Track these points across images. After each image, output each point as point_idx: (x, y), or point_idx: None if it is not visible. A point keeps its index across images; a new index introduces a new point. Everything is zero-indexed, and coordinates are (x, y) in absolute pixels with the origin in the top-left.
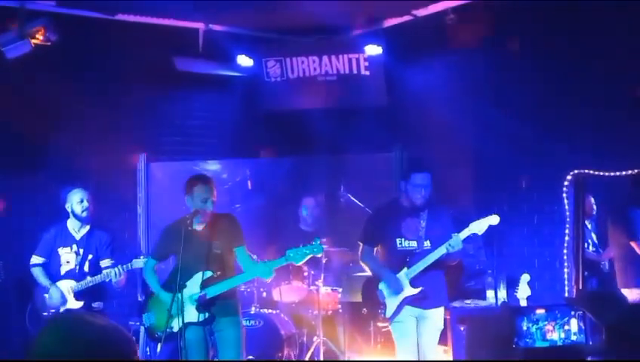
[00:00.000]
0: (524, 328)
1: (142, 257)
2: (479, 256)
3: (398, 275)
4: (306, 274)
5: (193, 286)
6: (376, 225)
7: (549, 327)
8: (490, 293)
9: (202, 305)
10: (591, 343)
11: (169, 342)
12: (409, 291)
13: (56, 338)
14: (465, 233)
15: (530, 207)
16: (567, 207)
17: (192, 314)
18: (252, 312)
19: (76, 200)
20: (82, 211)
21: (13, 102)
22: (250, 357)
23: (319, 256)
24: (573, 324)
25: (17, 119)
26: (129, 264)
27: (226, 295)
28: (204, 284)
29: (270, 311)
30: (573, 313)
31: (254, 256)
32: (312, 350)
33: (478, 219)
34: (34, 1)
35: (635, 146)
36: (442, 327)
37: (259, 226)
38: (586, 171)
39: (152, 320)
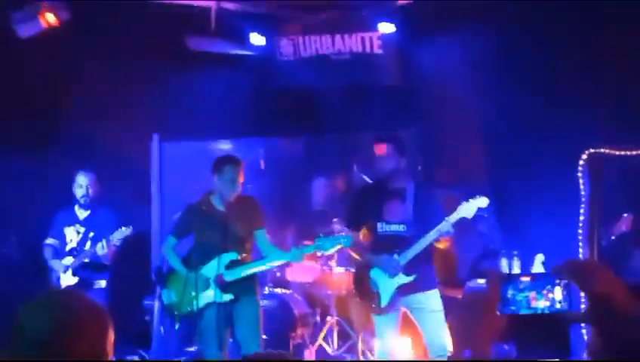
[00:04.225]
0: (509, 296)
1: (123, 228)
2: (493, 235)
3: None
4: (319, 254)
5: (214, 267)
6: (357, 207)
7: (534, 295)
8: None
9: (222, 285)
10: (574, 311)
11: (187, 320)
12: (402, 279)
13: (30, 313)
14: (454, 217)
15: (545, 185)
16: (582, 186)
17: (212, 294)
18: (265, 292)
19: (77, 185)
20: (81, 197)
21: (25, 81)
22: (264, 336)
23: (347, 248)
24: (558, 292)
25: (29, 99)
26: (111, 236)
27: (247, 278)
28: (229, 266)
29: (284, 290)
30: (557, 281)
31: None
32: (325, 330)
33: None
34: None
35: None
36: (441, 309)
37: (272, 206)
38: (602, 150)
39: (171, 298)
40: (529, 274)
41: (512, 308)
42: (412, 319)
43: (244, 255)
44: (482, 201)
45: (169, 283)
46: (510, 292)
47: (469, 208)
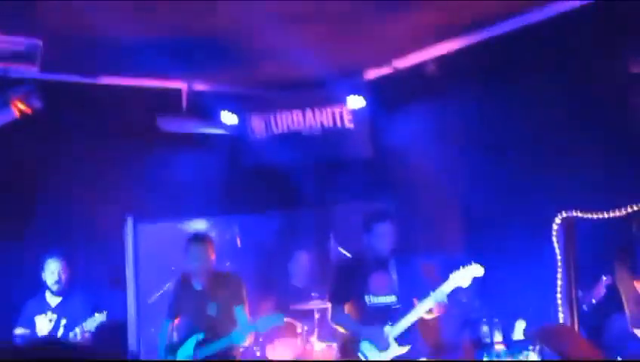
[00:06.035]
0: None
1: (96, 314)
2: (473, 304)
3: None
4: (299, 330)
5: (188, 349)
6: (342, 282)
7: None
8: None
9: None
10: None
11: None
12: (397, 350)
13: None
14: (448, 286)
15: (522, 252)
16: (557, 251)
17: None
18: None
19: (49, 272)
20: (53, 283)
21: None
22: None
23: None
24: (532, 357)
25: (1, 185)
26: (84, 324)
27: (224, 355)
28: (197, 347)
29: None
30: (531, 347)
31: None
32: None
33: (464, 267)
34: (16, 67)
35: (623, 187)
36: None
37: (250, 283)
38: (576, 214)
39: None
40: (503, 341)
41: None
42: None
43: (209, 336)
44: (477, 270)
45: None
46: (486, 359)
47: (463, 276)
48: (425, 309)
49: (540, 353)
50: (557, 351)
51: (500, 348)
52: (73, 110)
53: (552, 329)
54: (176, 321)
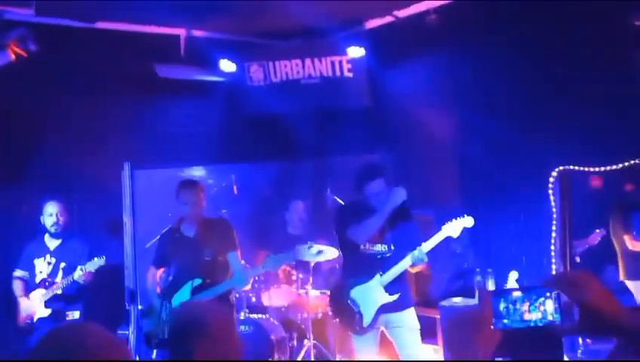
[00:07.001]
0: (502, 309)
1: (96, 259)
2: (467, 254)
3: (371, 282)
4: (294, 277)
5: (184, 294)
6: (350, 217)
7: (526, 308)
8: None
9: None
10: (567, 322)
11: (163, 349)
12: (385, 298)
13: (51, 350)
14: (437, 238)
15: (517, 204)
16: (553, 203)
17: None
18: (241, 318)
19: (47, 214)
20: (51, 225)
21: None
22: None
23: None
24: (549, 305)
25: None
26: (84, 267)
27: (219, 300)
28: (194, 291)
29: (260, 315)
30: (548, 294)
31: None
32: (302, 353)
33: (456, 218)
34: (12, 10)
35: (619, 141)
36: (418, 327)
37: (246, 231)
38: (572, 167)
39: (148, 326)
40: (520, 288)
41: (505, 321)
42: (388, 337)
43: (208, 280)
44: (468, 221)
45: (149, 311)
46: (503, 306)
47: (454, 228)
48: (409, 263)
49: (557, 300)
50: (575, 298)
51: (516, 294)
52: (70, 55)
53: (571, 276)
54: (162, 269)
